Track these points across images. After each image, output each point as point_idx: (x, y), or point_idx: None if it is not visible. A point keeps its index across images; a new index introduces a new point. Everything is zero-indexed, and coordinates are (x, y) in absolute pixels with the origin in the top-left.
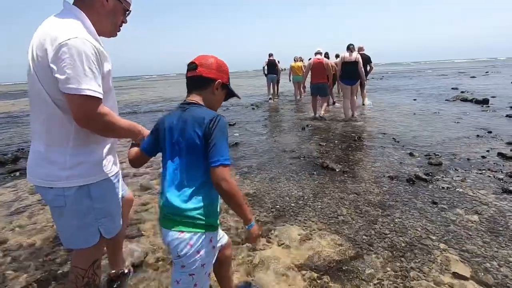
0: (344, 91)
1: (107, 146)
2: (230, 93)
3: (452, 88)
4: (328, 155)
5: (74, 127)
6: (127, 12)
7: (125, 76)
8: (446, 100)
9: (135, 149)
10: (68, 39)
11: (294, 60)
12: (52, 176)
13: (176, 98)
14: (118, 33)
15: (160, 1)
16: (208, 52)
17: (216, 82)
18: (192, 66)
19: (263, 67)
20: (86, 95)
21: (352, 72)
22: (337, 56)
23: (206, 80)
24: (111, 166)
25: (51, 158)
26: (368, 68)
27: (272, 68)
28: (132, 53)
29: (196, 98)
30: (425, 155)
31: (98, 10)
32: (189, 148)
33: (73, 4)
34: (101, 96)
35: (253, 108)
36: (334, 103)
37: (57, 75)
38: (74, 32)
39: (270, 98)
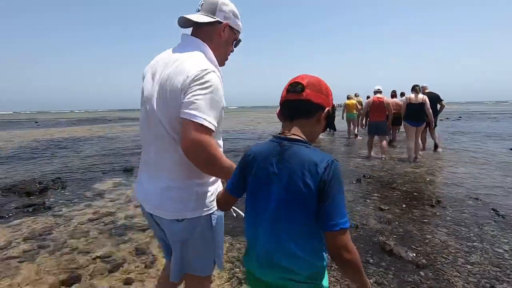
0: (409, 132)
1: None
2: (328, 124)
3: None
4: (393, 228)
5: None
6: (235, 42)
7: None
8: None
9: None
10: (203, 70)
11: (348, 98)
12: (183, 209)
13: (227, 130)
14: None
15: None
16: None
17: (326, 110)
18: (297, 88)
19: None
20: (201, 123)
21: (417, 113)
22: (402, 94)
23: (314, 107)
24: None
25: (179, 191)
26: (439, 106)
27: None
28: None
29: (297, 130)
30: None
31: (215, 41)
32: (293, 200)
33: (191, 35)
34: (214, 129)
35: None
36: (391, 140)
37: (183, 101)
38: (206, 65)
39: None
